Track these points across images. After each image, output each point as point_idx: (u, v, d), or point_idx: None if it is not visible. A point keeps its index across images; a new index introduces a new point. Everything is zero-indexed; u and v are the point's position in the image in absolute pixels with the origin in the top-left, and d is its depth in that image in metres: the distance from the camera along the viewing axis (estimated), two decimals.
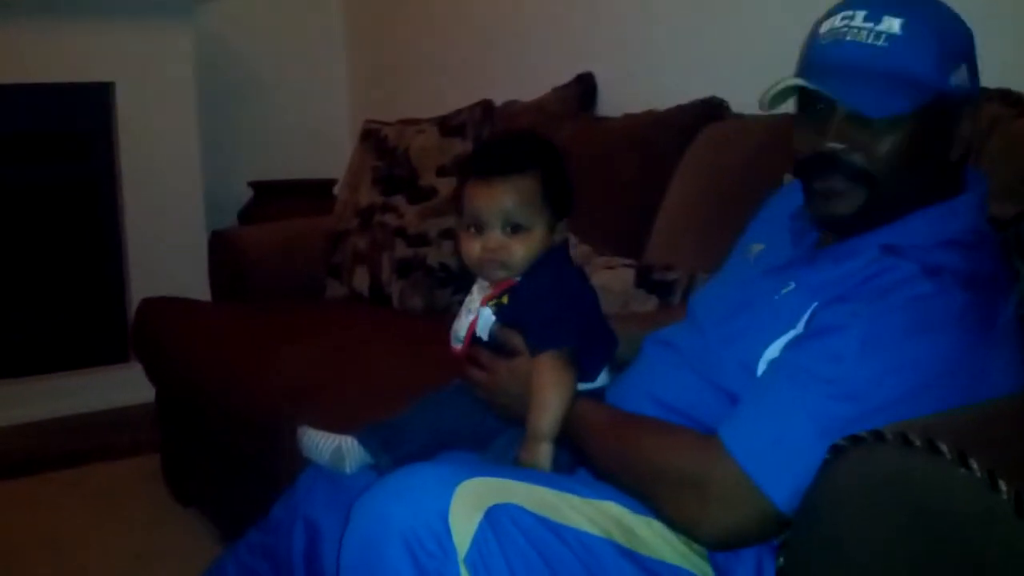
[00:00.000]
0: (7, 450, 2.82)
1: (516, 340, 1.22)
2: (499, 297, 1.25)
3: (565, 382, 1.17)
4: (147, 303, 2.50)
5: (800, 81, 1.06)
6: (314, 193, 3.50)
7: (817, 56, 1.09)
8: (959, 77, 1.04)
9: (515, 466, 1.18)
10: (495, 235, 1.21)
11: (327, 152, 3.68)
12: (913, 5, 1.05)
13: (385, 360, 1.96)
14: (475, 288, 1.30)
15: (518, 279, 1.24)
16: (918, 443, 0.84)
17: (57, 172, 3.22)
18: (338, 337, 2.16)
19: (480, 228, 1.22)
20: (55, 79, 3.08)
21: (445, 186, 2.45)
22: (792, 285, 1.12)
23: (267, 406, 1.81)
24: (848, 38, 1.05)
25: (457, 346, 1.29)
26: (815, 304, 1.06)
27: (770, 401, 1.02)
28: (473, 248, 1.23)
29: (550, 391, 1.17)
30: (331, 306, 2.53)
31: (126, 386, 3.09)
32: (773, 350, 1.08)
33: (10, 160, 3.14)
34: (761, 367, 1.09)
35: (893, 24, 1.03)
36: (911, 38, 1.03)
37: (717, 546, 1.04)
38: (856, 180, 1.06)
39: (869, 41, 1.04)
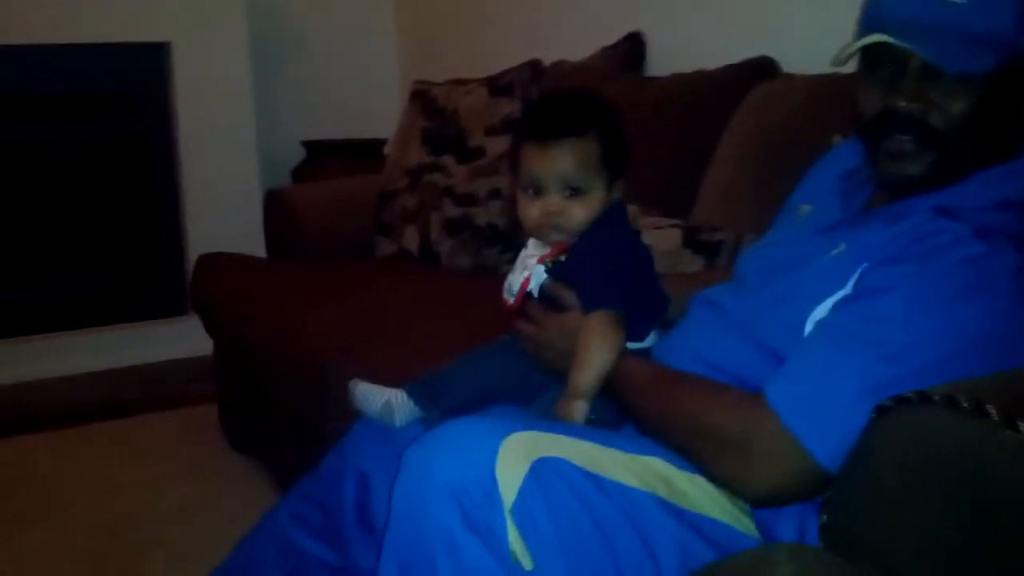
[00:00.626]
0: (71, 399, 2.92)
1: (568, 296, 1.23)
2: (557, 256, 1.26)
3: (611, 343, 1.18)
4: (204, 259, 2.56)
5: (885, 37, 1.03)
6: (365, 152, 3.54)
7: (886, 11, 1.06)
8: None
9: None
10: (555, 198, 1.22)
11: (377, 112, 3.70)
12: None
13: (433, 317, 1.99)
14: (530, 243, 1.31)
15: (575, 240, 1.25)
16: (965, 405, 0.84)
17: (115, 131, 3.30)
18: (387, 294, 2.19)
19: (539, 191, 1.22)
20: (112, 39, 3.14)
21: (494, 146, 2.46)
22: (842, 246, 1.12)
23: (317, 360, 1.85)
24: None
25: (510, 300, 1.31)
26: (864, 265, 1.06)
27: (816, 360, 1.02)
28: (532, 211, 1.23)
29: (594, 350, 1.18)
30: (381, 264, 2.57)
31: (184, 338, 3.18)
32: (821, 311, 1.08)
33: (70, 119, 3.22)
34: (808, 327, 1.09)
35: None
36: None
37: (760, 503, 1.06)
38: (928, 141, 1.05)
39: None
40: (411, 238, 2.54)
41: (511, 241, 2.41)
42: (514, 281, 1.31)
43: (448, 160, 2.52)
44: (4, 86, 3.05)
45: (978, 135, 1.05)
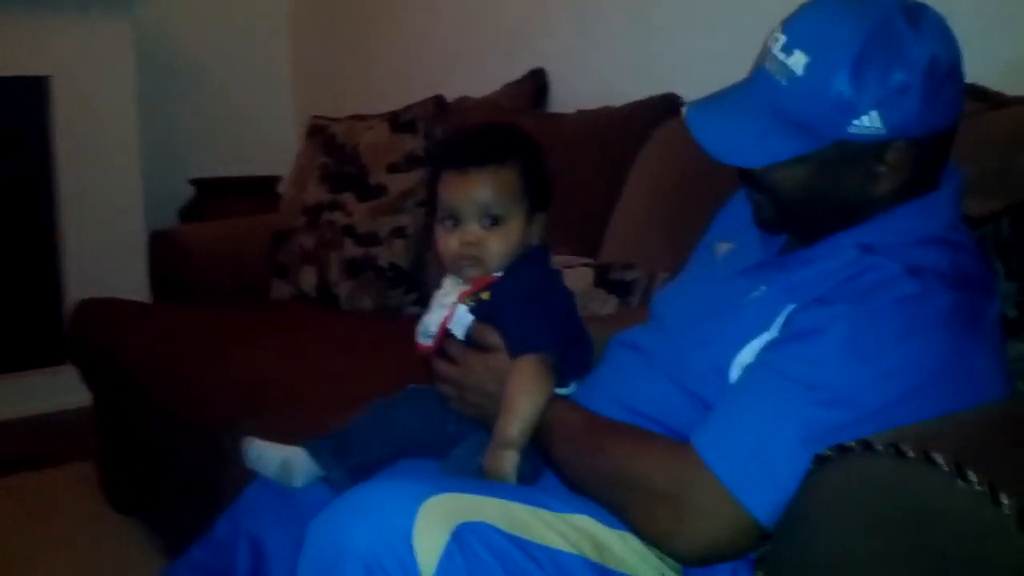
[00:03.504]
0: None
1: (494, 338, 1.16)
2: (477, 293, 1.19)
3: (542, 389, 1.12)
4: (85, 304, 2.39)
5: (686, 119, 1.06)
6: (258, 190, 3.41)
7: (747, 76, 1.07)
8: (866, 124, 0.97)
9: (478, 475, 1.11)
10: (473, 228, 1.16)
11: (271, 149, 3.59)
12: (830, 40, 0.98)
13: (336, 363, 1.89)
14: (447, 282, 1.24)
15: (499, 275, 1.18)
16: (911, 454, 0.79)
17: None
18: (286, 339, 2.07)
19: (457, 221, 1.17)
20: None
21: (396, 183, 2.38)
22: (763, 288, 1.08)
23: (212, 412, 1.73)
24: (764, 63, 1.02)
25: (427, 342, 1.22)
26: (792, 306, 1.02)
27: (747, 407, 0.97)
28: (450, 242, 1.17)
29: (525, 397, 1.11)
30: (277, 307, 2.45)
31: (60, 390, 2.97)
32: (746, 354, 1.03)
33: None
34: (734, 372, 1.04)
35: (799, 62, 0.98)
36: (811, 82, 0.97)
37: (692, 561, 0.99)
38: (763, 194, 1.07)
39: (775, 75, 1.00)
40: (309, 279, 2.43)
41: (415, 281, 2.33)
42: (431, 321, 1.22)
43: (348, 198, 2.43)
44: None
45: (816, 202, 1.04)
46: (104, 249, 3.11)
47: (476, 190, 1.15)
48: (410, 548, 0.89)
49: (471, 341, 1.19)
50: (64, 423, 2.90)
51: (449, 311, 1.21)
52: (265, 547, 1.26)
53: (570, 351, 1.21)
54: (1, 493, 2.47)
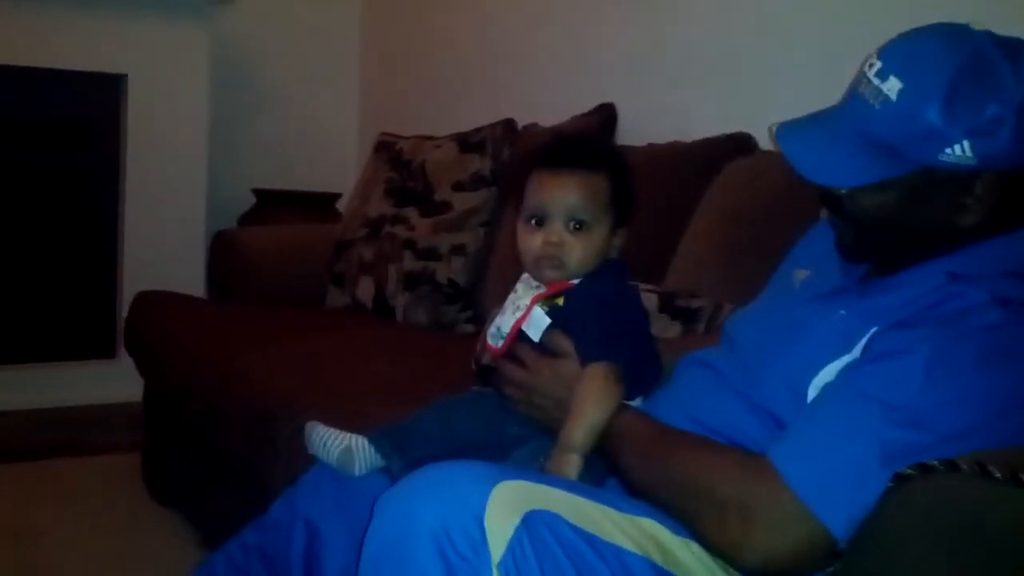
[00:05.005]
0: None
1: (566, 344, 1.17)
2: (552, 298, 1.19)
3: (611, 398, 1.12)
4: (143, 296, 2.43)
5: (776, 137, 1.08)
6: (316, 205, 3.46)
7: (842, 99, 1.08)
8: (956, 153, 0.98)
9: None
10: (557, 228, 1.17)
11: (332, 166, 3.65)
12: (925, 68, 0.99)
13: (391, 368, 1.90)
14: (520, 287, 1.24)
15: (575, 282, 1.19)
16: (998, 474, 0.79)
17: (63, 159, 3.15)
18: (339, 343, 2.09)
19: (542, 221, 1.18)
20: (70, 66, 3.03)
21: (461, 202, 2.40)
22: (842, 312, 1.08)
23: (262, 406, 1.74)
24: (859, 87, 1.04)
25: (498, 344, 1.23)
26: (874, 329, 1.02)
27: (827, 425, 0.96)
28: (533, 241, 1.18)
29: (594, 404, 1.12)
30: (332, 313, 2.47)
31: (109, 383, 3.01)
32: (826, 375, 1.04)
33: (18, 143, 3.08)
34: (812, 392, 1.04)
35: (893, 88, 0.99)
36: (904, 107, 0.99)
37: (757, 573, 0.98)
38: (846, 220, 1.07)
39: (869, 100, 1.02)
40: (366, 290, 2.45)
41: (471, 299, 2.34)
42: (504, 323, 1.23)
43: (411, 213, 2.46)
44: None
45: (898, 230, 1.05)
46: (162, 246, 3.18)
47: (566, 192, 1.16)
48: (481, 527, 0.89)
49: (542, 345, 1.20)
50: (109, 415, 2.93)
51: (523, 313, 1.22)
52: (321, 532, 1.26)
53: (640, 366, 1.21)
54: (44, 477, 2.50)
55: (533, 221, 1.19)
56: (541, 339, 1.20)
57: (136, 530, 2.21)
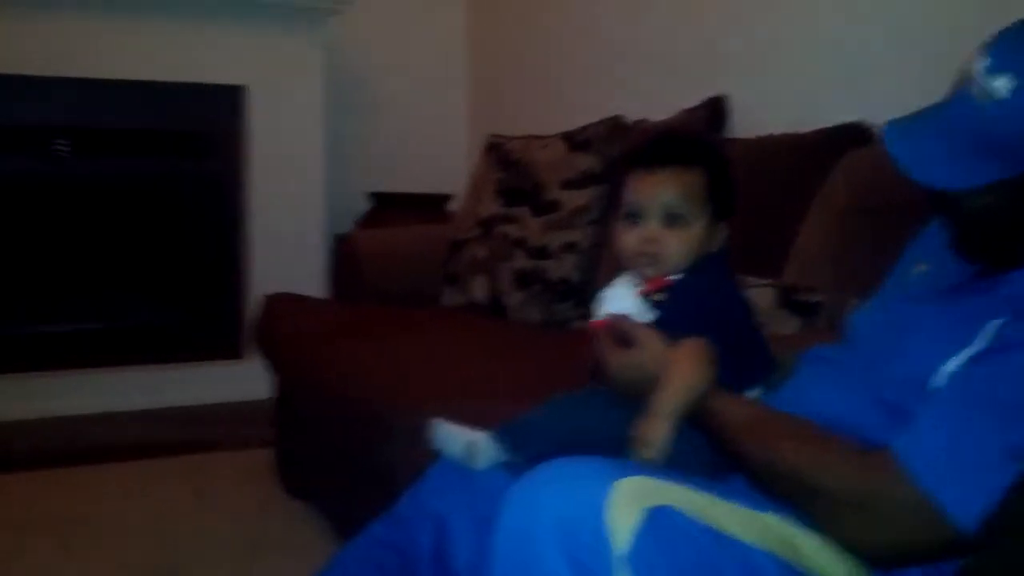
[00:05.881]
0: (120, 435, 2.88)
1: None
2: (652, 294, 1.21)
3: (703, 371, 1.12)
4: (272, 299, 2.53)
5: (883, 138, 1.05)
6: (429, 207, 3.54)
7: (946, 97, 1.05)
8: None
9: (630, 446, 1.11)
10: (653, 225, 1.18)
11: (444, 168, 3.72)
12: None
13: (505, 366, 1.94)
14: (620, 280, 1.26)
15: (675, 278, 1.20)
16: None
17: (189, 169, 3.31)
18: (457, 341, 2.15)
19: (638, 218, 1.20)
20: (192, 79, 3.18)
21: (570, 200, 2.43)
22: (965, 305, 1.06)
23: (386, 404, 1.79)
24: (966, 86, 1.00)
25: (599, 319, 1.24)
26: (1000, 321, 0.99)
27: (951, 416, 0.95)
28: (629, 238, 1.20)
29: (681, 372, 1.11)
30: (448, 312, 2.53)
31: (236, 382, 3.15)
32: (949, 367, 1.02)
33: (145, 154, 3.25)
34: (935, 384, 1.02)
35: (1004, 85, 0.95)
36: (1017, 106, 0.95)
37: (881, 565, 0.98)
38: (956, 220, 1.06)
39: (977, 98, 0.98)
40: (479, 288, 2.51)
41: (583, 296, 2.36)
42: (611, 306, 1.24)
43: (522, 212, 2.49)
44: (84, 118, 3.10)
45: (1006, 230, 1.01)
46: (286, 250, 3.30)
47: (661, 189, 1.18)
48: (604, 522, 0.91)
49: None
50: (242, 413, 3.06)
51: (629, 302, 1.23)
52: (447, 526, 1.30)
53: (744, 356, 1.21)
54: (181, 472, 2.62)
55: (630, 219, 1.21)
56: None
57: (270, 522, 2.30)
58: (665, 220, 1.18)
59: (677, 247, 1.18)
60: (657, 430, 1.09)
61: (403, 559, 1.34)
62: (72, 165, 3.11)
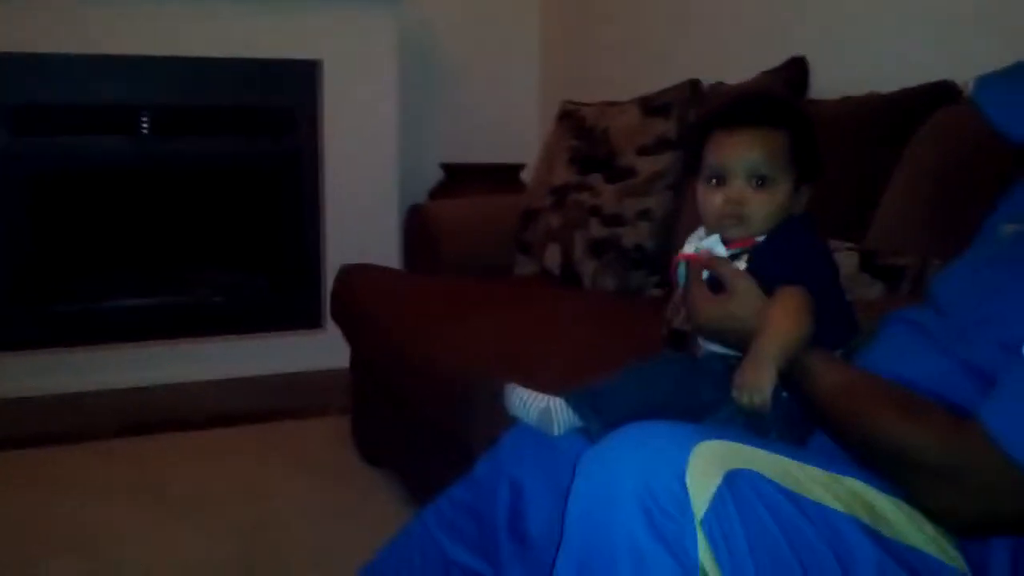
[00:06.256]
0: (203, 403, 2.97)
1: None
2: (738, 256, 1.19)
3: (804, 318, 1.09)
4: (347, 269, 2.57)
5: (973, 92, 1.02)
6: (502, 177, 3.54)
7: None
8: None
9: (734, 393, 1.09)
10: (738, 185, 1.17)
11: (516, 138, 3.71)
12: None
13: (580, 333, 1.93)
14: (702, 232, 1.24)
15: (760, 239, 1.18)
16: None
17: (267, 145, 3.36)
18: (532, 309, 2.14)
19: (722, 180, 1.18)
20: (267, 55, 3.22)
21: (646, 166, 2.40)
22: None
23: (463, 372, 1.81)
24: None
25: (690, 252, 1.22)
26: None
27: None
28: (714, 200, 1.18)
29: (787, 319, 1.09)
30: (521, 281, 2.53)
31: (317, 351, 3.21)
32: None
33: (223, 131, 3.30)
34: None
35: None
36: None
37: (968, 534, 0.95)
38: None
39: None
40: (553, 257, 2.50)
41: (659, 263, 2.34)
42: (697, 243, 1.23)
43: (596, 179, 2.47)
44: (161, 96, 3.16)
45: None
46: (360, 222, 3.34)
47: (746, 149, 1.16)
48: (683, 486, 0.90)
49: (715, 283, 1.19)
50: (317, 382, 3.12)
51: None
52: (524, 490, 1.30)
53: (831, 316, 1.18)
54: (264, 439, 2.69)
55: (713, 180, 1.19)
56: (713, 279, 1.18)
57: (350, 488, 2.35)
58: (750, 181, 1.17)
59: (763, 208, 1.17)
60: (763, 375, 1.06)
61: (480, 523, 1.35)
62: (154, 143, 3.18)
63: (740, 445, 0.96)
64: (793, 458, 0.97)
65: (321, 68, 3.30)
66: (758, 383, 1.06)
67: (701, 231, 1.24)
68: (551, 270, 2.50)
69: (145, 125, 3.16)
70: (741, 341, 1.12)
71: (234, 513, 2.21)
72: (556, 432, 1.28)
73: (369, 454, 2.48)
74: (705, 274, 1.20)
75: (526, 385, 1.33)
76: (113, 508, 2.23)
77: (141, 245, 3.35)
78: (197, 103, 3.24)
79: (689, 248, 1.23)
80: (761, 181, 1.16)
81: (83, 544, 2.04)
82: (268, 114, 3.34)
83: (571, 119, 2.67)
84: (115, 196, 3.30)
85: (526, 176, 3.50)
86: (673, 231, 2.35)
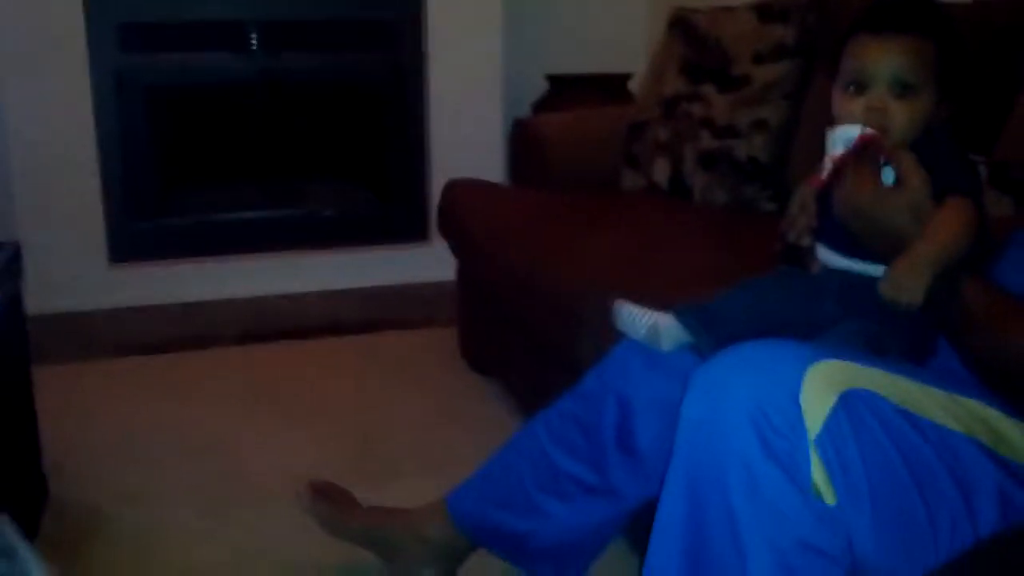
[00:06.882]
0: (311, 313, 3.06)
1: (917, 171, 1.06)
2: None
3: (966, 232, 1.03)
4: (453, 184, 2.57)
5: None
6: (608, 87, 3.47)
7: None
8: None
9: (882, 287, 1.03)
10: (881, 93, 1.10)
11: (623, 46, 3.62)
12: None
13: (691, 249, 1.91)
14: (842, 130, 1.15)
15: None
16: None
17: (372, 57, 3.36)
18: (638, 225, 2.12)
19: (862, 87, 1.12)
20: None
21: (762, 74, 2.31)
22: None
23: (570, 286, 1.80)
24: None
25: (823, 175, 1.14)
26: None
27: None
28: (854, 108, 1.12)
29: (950, 230, 1.02)
30: (629, 196, 2.49)
31: (424, 264, 3.25)
32: None
33: (329, 45, 3.31)
34: None
35: None
36: None
37: None
38: None
39: None
40: (662, 170, 2.45)
41: (774, 177, 2.27)
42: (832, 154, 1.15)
43: (708, 90, 2.39)
44: (268, 12, 3.18)
45: None
46: (465, 136, 3.33)
47: (891, 55, 1.09)
48: (797, 404, 0.88)
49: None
50: (424, 294, 3.17)
51: (854, 146, 1.14)
52: (631, 404, 1.31)
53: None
54: (372, 350, 2.75)
55: (852, 88, 1.13)
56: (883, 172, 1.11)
57: (458, 397, 2.40)
58: (893, 89, 1.10)
59: (905, 117, 1.10)
60: (920, 278, 1.00)
61: (588, 435, 1.37)
62: (262, 58, 3.22)
63: (857, 365, 0.94)
64: (912, 378, 0.95)
65: None
66: (914, 284, 1.00)
67: (840, 130, 1.16)
68: (659, 183, 2.45)
69: (253, 41, 3.19)
70: (890, 238, 1.05)
71: (345, 420, 2.28)
72: (665, 348, 1.27)
73: (476, 363, 2.52)
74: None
75: (635, 301, 1.32)
76: (231, 414, 2.33)
77: (252, 158, 3.42)
78: (304, 18, 3.25)
79: (838, 148, 1.16)
80: (904, 90, 1.09)
81: (203, 449, 2.15)
82: (374, 27, 3.33)
83: (682, 26, 2.58)
84: (226, 110, 3.36)
85: (634, 86, 3.42)
86: (789, 143, 2.27)
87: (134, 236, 3.19)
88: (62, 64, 2.95)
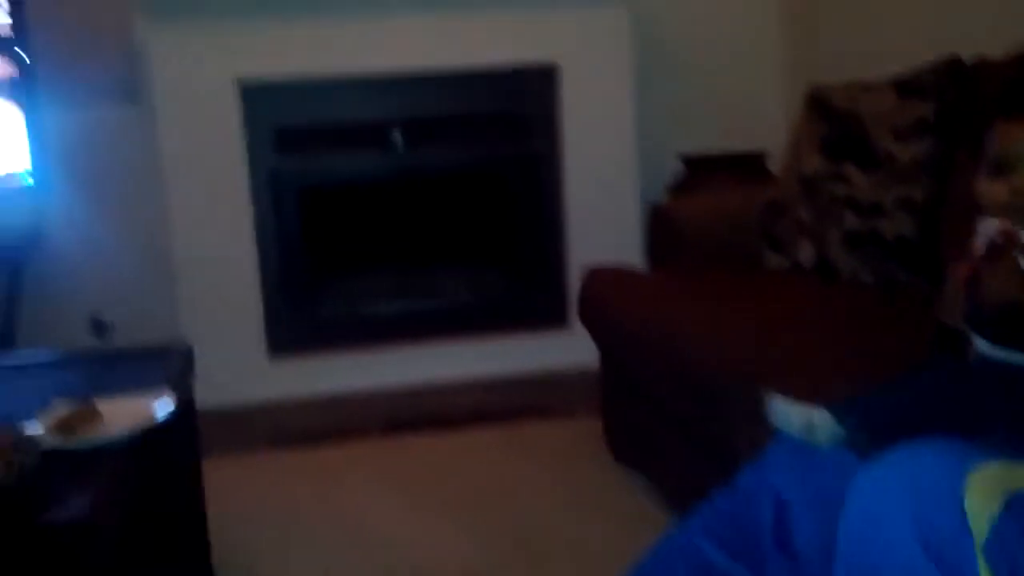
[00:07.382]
0: (455, 402, 3.11)
1: None
2: None
3: None
4: (593, 271, 2.60)
5: None
6: (744, 166, 3.46)
7: None
8: None
9: None
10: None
11: (758, 124, 3.61)
12: None
13: (840, 332, 1.85)
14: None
15: None
16: None
17: (507, 148, 3.46)
18: (785, 309, 2.08)
19: (1008, 169, 1.10)
20: (505, 63, 3.30)
21: (904, 151, 2.26)
22: None
23: (718, 376, 1.78)
24: None
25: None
26: None
27: None
28: (997, 191, 1.10)
29: None
30: (773, 278, 2.46)
31: (562, 351, 3.27)
32: None
33: (467, 139, 3.43)
34: None
35: None
36: None
37: None
38: None
39: None
40: (806, 252, 2.41)
41: (924, 256, 2.20)
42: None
43: (849, 168, 2.36)
44: (407, 113, 3.33)
45: None
46: (601, 221, 3.37)
47: None
48: (962, 512, 0.86)
49: None
50: (565, 382, 3.18)
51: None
52: (788, 503, 1.28)
53: None
54: (512, 439, 2.76)
55: (997, 169, 1.11)
56: None
57: (601, 490, 2.37)
58: None
59: None
60: None
61: (744, 534, 1.34)
62: (404, 155, 3.36)
63: (1021, 464, 0.90)
64: None
65: (558, 71, 3.35)
66: None
67: (989, 223, 1.14)
68: (804, 265, 2.42)
69: (397, 138, 3.34)
70: None
71: (495, 512, 2.29)
72: (821, 444, 1.25)
73: (621, 454, 2.50)
74: None
75: (786, 391, 1.31)
76: (387, 505, 2.37)
77: (395, 250, 3.55)
78: (442, 114, 3.38)
79: (983, 238, 1.13)
80: None
81: (365, 542, 2.18)
82: (510, 119, 3.44)
83: (820, 103, 2.56)
84: (370, 205, 3.52)
85: (771, 164, 3.40)
86: (938, 221, 2.20)
87: (290, 329, 3.33)
88: (222, 166, 3.16)
